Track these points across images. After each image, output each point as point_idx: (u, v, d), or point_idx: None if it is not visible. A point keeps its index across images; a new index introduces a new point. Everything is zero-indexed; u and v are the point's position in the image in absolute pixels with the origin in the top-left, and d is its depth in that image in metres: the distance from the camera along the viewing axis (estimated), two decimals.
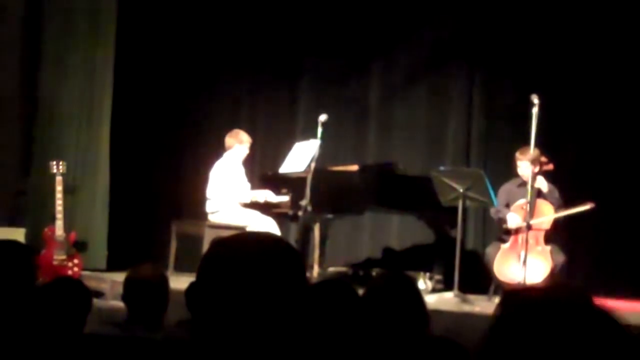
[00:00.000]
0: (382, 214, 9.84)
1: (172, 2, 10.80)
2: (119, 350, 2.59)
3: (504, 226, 8.13)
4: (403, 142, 10.23)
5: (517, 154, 8.07)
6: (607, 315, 1.16)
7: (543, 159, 7.98)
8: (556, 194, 8.08)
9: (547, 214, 7.98)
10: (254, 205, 8.88)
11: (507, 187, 8.37)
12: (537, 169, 7.92)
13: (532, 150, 7.68)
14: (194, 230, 9.05)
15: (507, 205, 8.24)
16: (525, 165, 7.94)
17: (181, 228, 9.27)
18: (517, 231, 7.99)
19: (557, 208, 8.03)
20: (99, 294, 7.76)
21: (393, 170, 8.96)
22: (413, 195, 8.70)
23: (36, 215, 9.59)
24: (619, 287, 8.73)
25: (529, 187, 7.75)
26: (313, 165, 8.28)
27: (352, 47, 10.39)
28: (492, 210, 8.39)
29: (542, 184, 8.00)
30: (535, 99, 7.50)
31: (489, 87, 10.03)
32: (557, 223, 8.02)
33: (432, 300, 7.58)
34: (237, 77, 10.82)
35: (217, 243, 1.78)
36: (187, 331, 2.91)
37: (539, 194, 8.01)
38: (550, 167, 8.04)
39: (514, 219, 8.02)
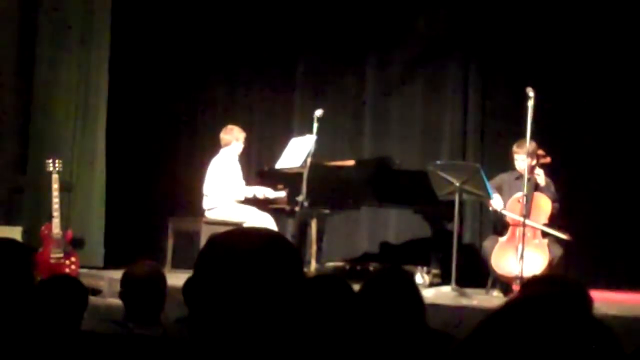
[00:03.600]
0: (378, 209, 9.85)
1: None
2: (116, 348, 2.58)
3: (490, 208, 8.16)
4: (399, 137, 10.23)
5: (514, 147, 8.05)
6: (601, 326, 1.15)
7: (540, 152, 7.98)
8: (552, 187, 8.08)
9: (544, 207, 7.97)
10: (250, 201, 8.87)
11: (504, 177, 8.36)
12: (534, 162, 7.93)
13: (529, 144, 7.68)
14: (191, 226, 9.05)
15: (499, 189, 8.23)
16: (522, 158, 7.93)
17: (178, 225, 9.27)
18: (514, 224, 7.99)
19: (554, 202, 8.03)
20: (96, 292, 7.77)
21: (389, 165, 8.95)
22: (409, 189, 8.70)
23: (33, 213, 9.59)
24: (617, 279, 8.76)
25: (525, 180, 7.75)
26: (309, 160, 8.28)
27: (347, 42, 10.39)
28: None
29: (541, 177, 8.00)
30: (530, 92, 7.50)
31: (485, 81, 10.04)
32: (554, 216, 8.02)
33: (430, 294, 7.57)
34: (233, 72, 10.82)
35: (214, 238, 1.77)
36: (184, 328, 2.91)
37: (536, 187, 8.01)
38: (548, 160, 8.04)
39: (497, 201, 8.05)
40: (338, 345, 2.80)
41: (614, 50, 9.34)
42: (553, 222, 8.03)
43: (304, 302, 1.70)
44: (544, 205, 7.98)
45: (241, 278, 1.66)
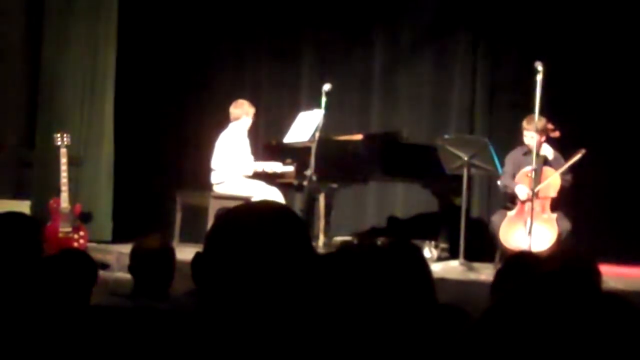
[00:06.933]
0: (387, 183, 9.84)
1: None
2: (125, 322, 2.59)
3: (517, 201, 8.11)
4: (407, 111, 10.21)
5: (524, 124, 8.01)
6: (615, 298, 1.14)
7: (549, 126, 7.96)
8: (562, 160, 8.06)
9: (553, 181, 7.95)
10: (259, 176, 8.87)
11: (512, 156, 8.33)
12: (543, 138, 7.91)
13: (538, 119, 7.66)
14: (199, 201, 9.05)
15: (514, 176, 8.21)
16: (531, 135, 7.91)
17: (186, 199, 9.27)
18: (523, 199, 7.98)
19: (565, 174, 8.00)
20: (105, 266, 7.77)
21: (397, 139, 8.95)
22: (418, 163, 8.70)
23: (41, 187, 9.60)
24: (625, 254, 8.74)
25: (534, 155, 7.74)
26: (317, 134, 8.28)
27: (355, 15, 10.35)
28: (500, 185, 8.39)
29: (548, 151, 7.98)
30: (539, 66, 7.48)
31: (493, 55, 10.00)
32: (563, 190, 8.00)
33: (438, 268, 7.59)
34: (241, 47, 10.79)
35: (223, 213, 1.77)
36: (193, 302, 2.91)
37: (545, 161, 7.99)
38: (557, 134, 8.02)
39: (523, 191, 7.99)
40: (345, 320, 2.80)
41: (625, 22, 9.29)
42: (564, 194, 8.02)
43: (312, 276, 1.70)
44: (553, 179, 7.97)
45: (250, 253, 1.66)
